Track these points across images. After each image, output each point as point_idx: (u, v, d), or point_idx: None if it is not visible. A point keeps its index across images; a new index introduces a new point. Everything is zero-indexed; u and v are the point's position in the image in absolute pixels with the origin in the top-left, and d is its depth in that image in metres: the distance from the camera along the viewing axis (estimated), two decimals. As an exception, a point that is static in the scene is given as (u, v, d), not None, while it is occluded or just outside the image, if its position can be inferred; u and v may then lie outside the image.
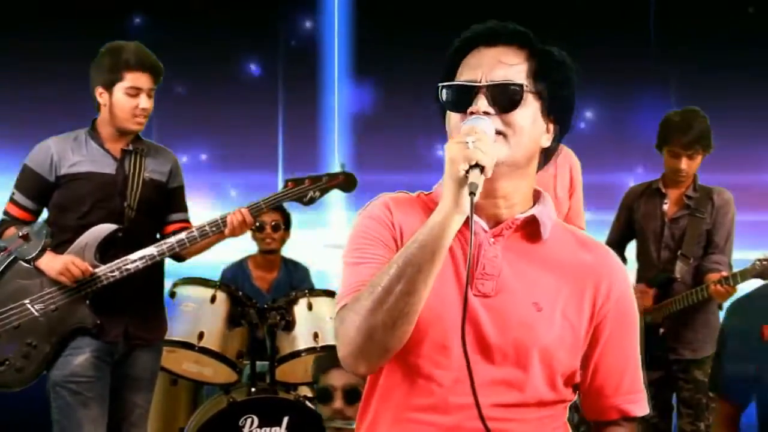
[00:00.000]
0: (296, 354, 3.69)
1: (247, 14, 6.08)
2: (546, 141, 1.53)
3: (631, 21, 6.26)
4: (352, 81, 6.44)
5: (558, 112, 1.53)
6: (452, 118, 1.50)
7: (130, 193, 3.16)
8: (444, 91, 1.51)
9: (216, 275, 4.43)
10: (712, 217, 3.77)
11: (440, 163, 1.40)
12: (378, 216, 1.54)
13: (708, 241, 3.77)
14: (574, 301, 1.51)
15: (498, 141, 1.45)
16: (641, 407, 1.60)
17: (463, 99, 1.48)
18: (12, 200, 3.18)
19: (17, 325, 3.04)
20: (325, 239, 5.72)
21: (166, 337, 3.41)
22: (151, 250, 3.10)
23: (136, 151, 3.20)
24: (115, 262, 3.07)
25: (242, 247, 4.45)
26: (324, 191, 3.24)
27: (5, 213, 3.20)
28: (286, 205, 3.65)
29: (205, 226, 3.13)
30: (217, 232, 3.13)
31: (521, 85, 1.47)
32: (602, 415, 1.61)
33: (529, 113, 1.48)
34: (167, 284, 3.47)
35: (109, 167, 3.15)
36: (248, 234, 3.91)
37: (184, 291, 3.73)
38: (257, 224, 4.02)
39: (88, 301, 3.07)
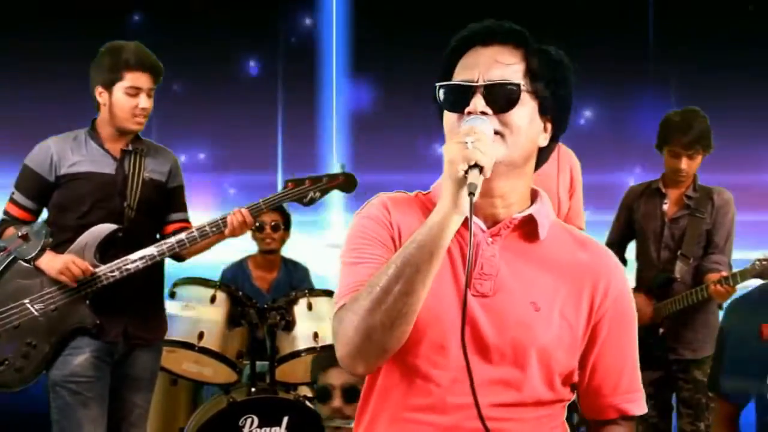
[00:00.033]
0: (296, 354, 3.70)
1: (247, 13, 6.07)
2: (543, 140, 1.53)
3: (631, 20, 6.25)
4: (351, 80, 6.43)
5: (555, 112, 1.53)
6: (449, 118, 1.50)
7: (129, 193, 3.16)
8: (441, 90, 1.51)
9: (216, 275, 4.43)
10: (712, 217, 3.77)
11: (440, 163, 1.40)
12: (376, 216, 1.54)
13: (708, 241, 3.77)
14: (572, 300, 1.51)
15: (495, 141, 1.44)
16: (639, 406, 1.60)
17: (460, 99, 1.47)
18: (12, 200, 3.18)
19: (17, 325, 3.04)
20: (325, 240, 5.71)
21: (166, 337, 3.42)
22: (151, 250, 3.10)
23: (136, 151, 3.20)
24: (115, 262, 3.07)
25: (242, 247, 4.45)
26: (324, 192, 3.24)
27: (5, 213, 3.20)
28: (285, 205, 3.64)
29: (205, 226, 3.13)
30: (217, 232, 3.14)
31: (518, 85, 1.47)
32: (600, 414, 1.61)
33: (526, 113, 1.48)
34: (167, 284, 3.47)
35: (108, 167, 3.16)
36: (248, 234, 3.91)
37: (184, 291, 3.73)
38: (257, 224, 4.02)
39: (87, 301, 3.07)
